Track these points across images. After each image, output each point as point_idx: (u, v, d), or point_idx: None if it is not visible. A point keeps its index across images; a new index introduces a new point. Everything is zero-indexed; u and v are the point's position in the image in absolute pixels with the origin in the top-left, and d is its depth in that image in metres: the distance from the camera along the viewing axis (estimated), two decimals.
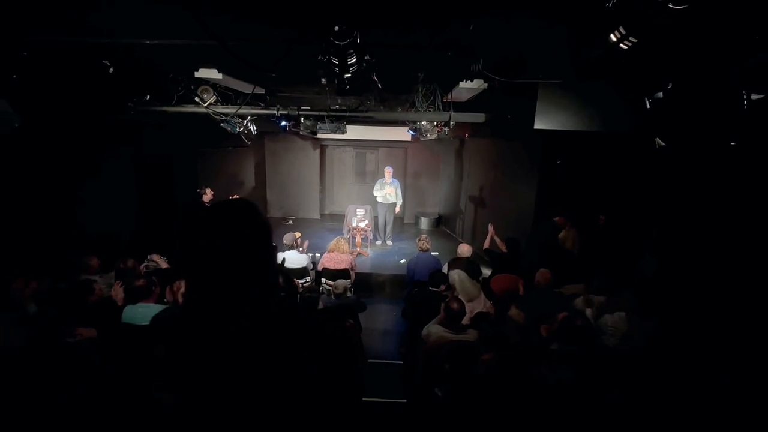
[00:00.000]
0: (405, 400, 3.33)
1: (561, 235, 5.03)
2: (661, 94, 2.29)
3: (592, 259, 4.92)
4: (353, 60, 1.89)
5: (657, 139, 2.52)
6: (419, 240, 5.08)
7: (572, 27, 1.96)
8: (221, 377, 0.87)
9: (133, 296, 2.99)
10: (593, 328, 2.46)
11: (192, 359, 0.90)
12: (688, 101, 2.07)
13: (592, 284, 3.78)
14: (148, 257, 3.92)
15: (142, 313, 3.02)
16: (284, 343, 0.94)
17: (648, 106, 2.42)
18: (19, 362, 2.09)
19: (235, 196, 5.34)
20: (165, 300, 3.26)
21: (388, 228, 7.83)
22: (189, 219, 0.94)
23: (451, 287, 4.06)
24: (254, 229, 0.94)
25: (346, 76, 2.08)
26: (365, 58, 1.93)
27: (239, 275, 0.90)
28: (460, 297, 3.80)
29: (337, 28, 1.60)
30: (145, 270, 3.86)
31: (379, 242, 7.89)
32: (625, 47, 1.55)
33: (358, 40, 1.72)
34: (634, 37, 1.48)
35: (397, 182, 7.61)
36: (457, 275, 3.88)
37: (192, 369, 0.89)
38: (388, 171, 7.54)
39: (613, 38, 1.57)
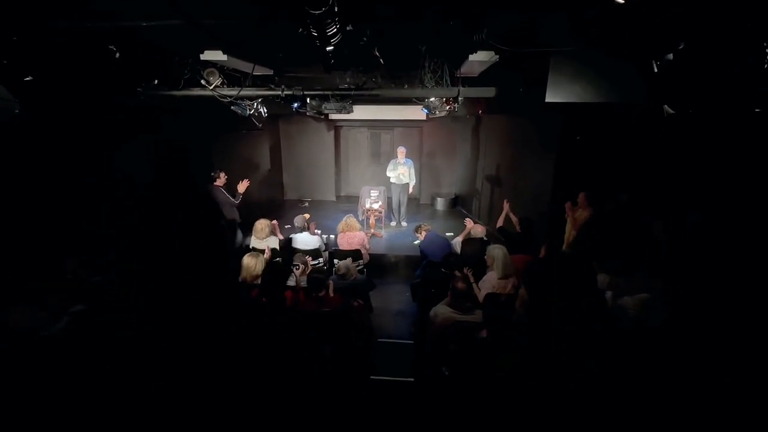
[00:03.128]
0: (413, 379, 3.36)
1: (577, 215, 4.85)
2: (671, 56, 2.08)
3: (612, 239, 4.73)
4: (333, 30, 1.80)
5: (665, 107, 2.32)
6: (418, 230, 5.19)
7: None
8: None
9: None
10: (607, 310, 2.37)
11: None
12: (702, 63, 1.88)
13: (605, 264, 3.65)
14: None
15: None
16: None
17: (656, 70, 2.21)
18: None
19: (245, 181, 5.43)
20: None
21: (403, 209, 7.77)
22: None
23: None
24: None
25: (329, 48, 2.00)
26: (347, 28, 1.84)
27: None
28: (495, 273, 3.78)
29: None
30: None
31: (393, 223, 7.86)
32: (622, 1, 1.40)
33: (336, 8, 1.63)
34: None
35: (410, 162, 7.48)
36: (500, 251, 3.81)
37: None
38: (401, 151, 7.40)
39: None
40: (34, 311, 2.31)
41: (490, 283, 3.90)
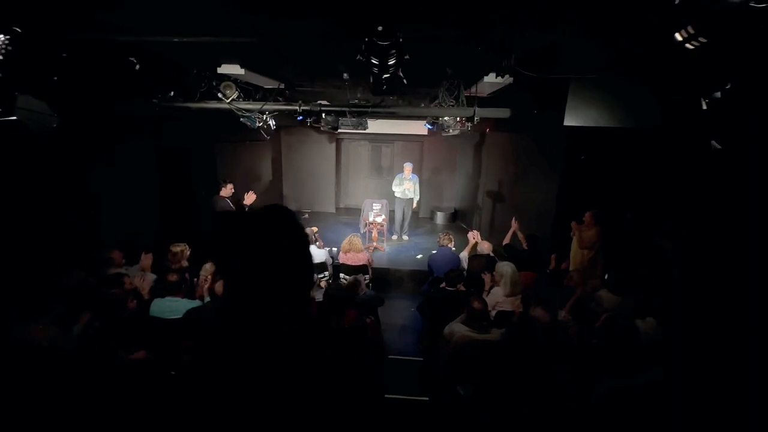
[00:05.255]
0: (427, 398, 3.33)
1: (584, 234, 4.93)
2: (719, 94, 2.17)
3: (616, 257, 4.82)
4: (393, 60, 1.84)
5: (713, 142, 2.41)
6: (439, 236, 5.08)
7: (612, 29, 1.86)
8: (247, 378, 0.88)
9: (164, 290, 3.05)
10: (638, 331, 2.41)
11: (221, 360, 0.91)
12: (749, 102, 1.96)
13: (608, 281, 3.71)
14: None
15: (170, 307, 3.08)
16: (313, 349, 0.96)
17: (704, 107, 2.30)
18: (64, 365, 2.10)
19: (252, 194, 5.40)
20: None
21: (405, 223, 7.80)
22: (226, 224, 0.95)
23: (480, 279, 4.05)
24: (293, 235, 0.95)
25: (385, 76, 2.03)
26: (405, 57, 1.88)
27: (278, 281, 0.91)
28: (502, 289, 3.80)
29: (380, 27, 1.55)
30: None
31: (395, 237, 7.86)
32: (692, 47, 1.47)
33: (401, 40, 1.67)
34: (704, 38, 1.40)
35: (416, 177, 7.57)
36: (510, 268, 3.85)
37: (220, 369, 0.91)
38: (408, 167, 7.47)
39: (679, 37, 1.48)
40: (51, 326, 2.25)
41: (495, 299, 3.92)
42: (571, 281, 3.74)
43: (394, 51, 1.74)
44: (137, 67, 3.11)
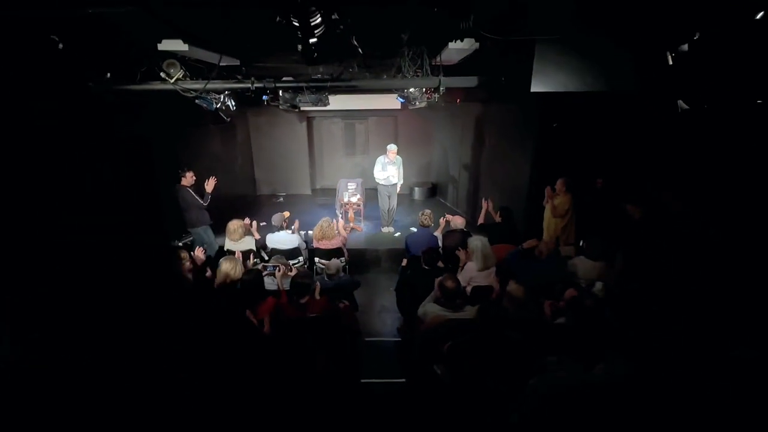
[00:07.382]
0: (404, 380, 3.29)
1: (556, 202, 4.92)
2: (686, 47, 2.01)
3: (588, 223, 4.84)
4: (317, 20, 1.59)
5: (680, 102, 2.29)
6: (421, 214, 4.89)
7: None
8: None
9: None
10: (602, 308, 2.36)
11: None
12: (716, 55, 1.82)
13: (584, 248, 3.71)
14: None
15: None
16: None
17: (671, 62, 2.16)
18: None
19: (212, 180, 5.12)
20: None
21: (393, 214, 7.04)
22: None
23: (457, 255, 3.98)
24: None
25: (312, 40, 1.79)
26: (333, 17, 1.64)
27: None
28: (475, 264, 3.74)
29: None
30: None
31: (384, 229, 7.07)
32: None
33: None
34: None
35: (400, 160, 6.77)
36: (480, 242, 3.78)
37: None
38: (393, 150, 6.53)
39: None
40: None
41: (469, 274, 3.88)
42: (541, 254, 3.70)
43: (314, 8, 1.49)
44: (60, 46, 2.75)
